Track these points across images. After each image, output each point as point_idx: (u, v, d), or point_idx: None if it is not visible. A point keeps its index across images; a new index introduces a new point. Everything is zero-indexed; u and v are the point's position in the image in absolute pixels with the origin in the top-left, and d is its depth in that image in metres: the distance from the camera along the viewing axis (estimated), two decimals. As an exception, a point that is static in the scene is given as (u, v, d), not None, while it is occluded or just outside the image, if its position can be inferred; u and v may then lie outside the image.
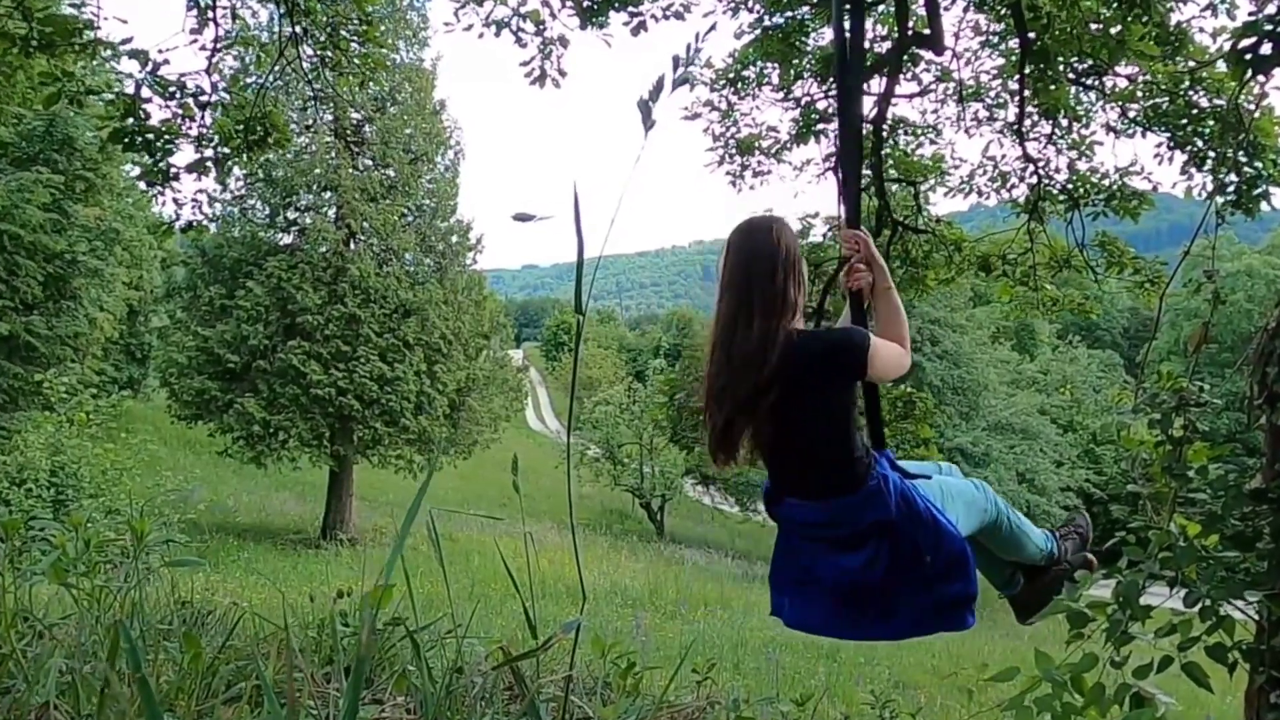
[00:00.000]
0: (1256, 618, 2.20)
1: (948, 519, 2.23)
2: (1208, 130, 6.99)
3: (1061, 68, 6.95)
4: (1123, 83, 7.25)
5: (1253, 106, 6.15)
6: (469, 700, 2.46)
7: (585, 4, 6.17)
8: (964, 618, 2.28)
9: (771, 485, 2.31)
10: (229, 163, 5.70)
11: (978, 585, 2.30)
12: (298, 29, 5.76)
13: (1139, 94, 7.24)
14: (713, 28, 1.95)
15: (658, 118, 1.72)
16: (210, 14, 5.33)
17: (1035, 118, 7.83)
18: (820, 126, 8.45)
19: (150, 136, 5.30)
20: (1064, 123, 7.82)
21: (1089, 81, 7.39)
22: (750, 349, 2.08)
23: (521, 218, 1.78)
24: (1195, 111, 6.97)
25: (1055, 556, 2.61)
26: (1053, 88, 7.09)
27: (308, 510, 21.35)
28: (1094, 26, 6.27)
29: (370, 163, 19.63)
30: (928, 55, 7.60)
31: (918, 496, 2.21)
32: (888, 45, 7.31)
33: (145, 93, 5.17)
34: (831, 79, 8.01)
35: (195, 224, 6.13)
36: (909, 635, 2.38)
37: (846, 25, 2.58)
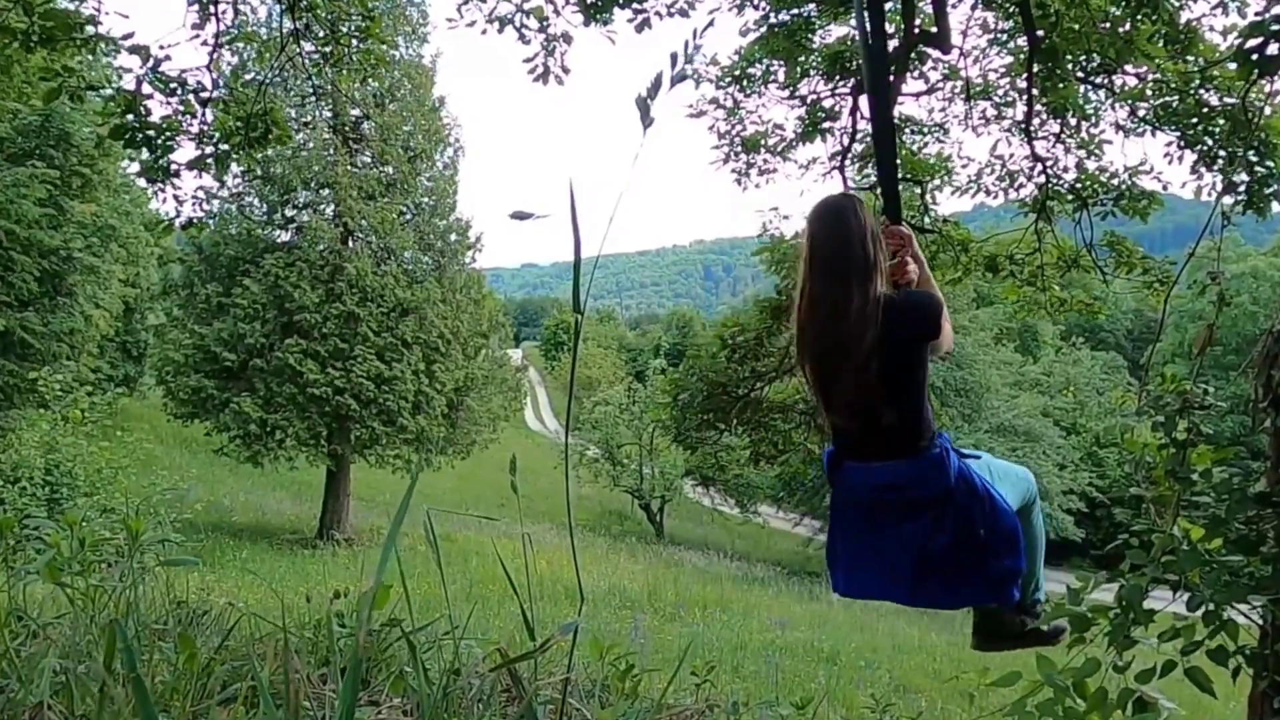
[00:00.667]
0: (1260, 622, 2.20)
1: (1001, 494, 2.32)
2: (1218, 129, 6.98)
3: (1070, 66, 6.95)
4: (1132, 81, 7.24)
5: (1264, 105, 6.14)
6: (466, 702, 2.47)
7: (589, 0, 6.17)
8: (1011, 592, 2.35)
9: (838, 448, 2.40)
10: (230, 159, 5.71)
11: (1026, 561, 2.37)
12: (299, 25, 5.77)
13: (1148, 92, 7.23)
14: (710, 23, 1.96)
15: (659, 116, 1.72)
16: (212, 9, 5.34)
17: (1043, 116, 7.83)
18: (826, 125, 8.45)
19: (151, 133, 5.30)
20: (1072, 121, 7.81)
21: (1098, 80, 7.39)
22: (858, 317, 2.22)
23: (519, 216, 1.78)
24: (1205, 110, 6.96)
25: (1037, 606, 2.67)
26: (1061, 86, 7.09)
27: (304, 510, 21.36)
28: (1103, 25, 6.27)
29: (369, 160, 19.64)
30: (935, 53, 7.59)
31: (974, 473, 2.31)
32: (894, 43, 7.31)
33: (146, 89, 5.17)
34: (837, 77, 8.03)
35: (195, 221, 6.14)
36: (959, 606, 2.50)
37: (868, 24, 2.61)
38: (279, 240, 19.28)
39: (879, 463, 2.30)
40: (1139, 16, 6.07)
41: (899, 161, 8.63)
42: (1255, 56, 2.37)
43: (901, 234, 2.49)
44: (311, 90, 15.60)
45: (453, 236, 20.53)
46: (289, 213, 19.37)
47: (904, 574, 2.33)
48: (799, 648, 11.50)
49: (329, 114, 19.20)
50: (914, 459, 2.27)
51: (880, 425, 2.27)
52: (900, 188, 8.64)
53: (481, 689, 2.53)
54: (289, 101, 17.61)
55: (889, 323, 2.22)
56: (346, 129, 19.46)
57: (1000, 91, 8.26)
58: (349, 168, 18.95)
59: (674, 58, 1.77)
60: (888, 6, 7.62)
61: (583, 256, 1.71)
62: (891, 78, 6.76)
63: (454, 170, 20.87)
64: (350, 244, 19.13)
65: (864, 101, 6.94)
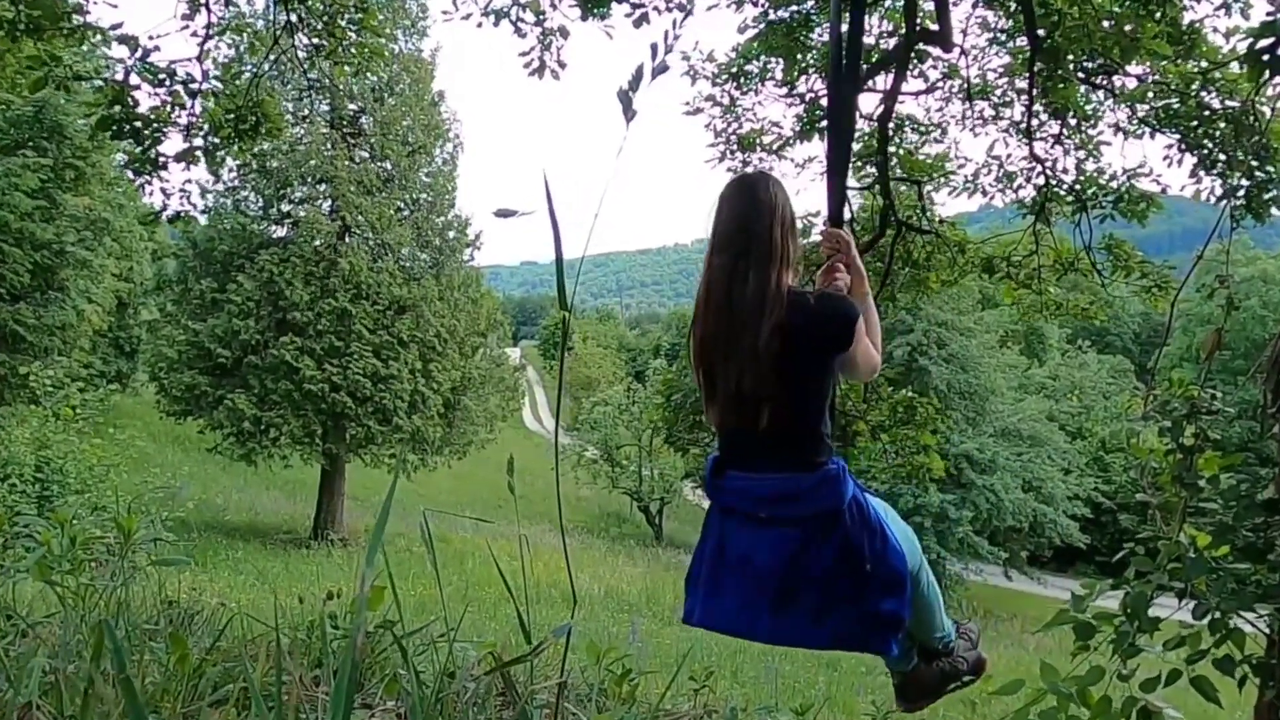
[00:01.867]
0: (1267, 631, 2.20)
1: (894, 534, 2.19)
2: (1219, 132, 6.99)
3: (1071, 66, 6.95)
4: (1132, 82, 7.25)
5: (1266, 109, 6.15)
6: (460, 706, 2.46)
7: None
8: (889, 642, 2.18)
9: (722, 455, 2.22)
10: (219, 153, 5.70)
11: (909, 614, 2.21)
12: (293, 17, 5.76)
13: (1149, 94, 7.24)
14: (689, 13, 1.96)
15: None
16: (202, 0, 5.34)
17: (1043, 117, 7.83)
18: (824, 124, 8.45)
19: (139, 124, 5.29)
20: (1072, 122, 7.82)
21: (1098, 81, 7.39)
22: (753, 301, 2.06)
23: (503, 213, 1.78)
24: (1206, 113, 6.97)
25: (950, 645, 2.57)
26: (1062, 86, 7.09)
27: (298, 509, 21.36)
28: (1105, 24, 6.27)
29: (367, 154, 19.64)
30: (935, 52, 7.60)
31: (869, 504, 2.18)
32: (894, 41, 7.31)
33: (134, 79, 5.17)
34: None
35: (183, 214, 6.12)
36: (827, 645, 2.29)
37: (844, 26, 2.59)
38: (274, 235, 19.28)
39: (770, 474, 2.13)
40: (1142, 15, 6.07)
41: (896, 160, 8.68)
42: (1266, 58, 2.37)
43: (840, 238, 2.36)
44: (307, 84, 15.61)
45: (451, 233, 20.52)
46: (285, 207, 19.37)
47: (767, 596, 2.14)
48: (799, 653, 11.46)
49: (326, 107, 19.21)
50: (807, 473, 2.11)
51: (770, 430, 2.10)
52: (902, 187, 8.68)
53: (476, 693, 2.53)
54: (286, 95, 17.62)
55: (795, 321, 2.05)
56: (345, 123, 19.46)
57: (1000, 91, 8.26)
58: (347, 162, 18.95)
59: (654, 49, 1.77)
60: (888, 4, 7.63)
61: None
62: (890, 76, 6.78)
63: (453, 166, 20.88)
64: (346, 240, 19.12)
65: (862, 100, 6.95)
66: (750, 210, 2.13)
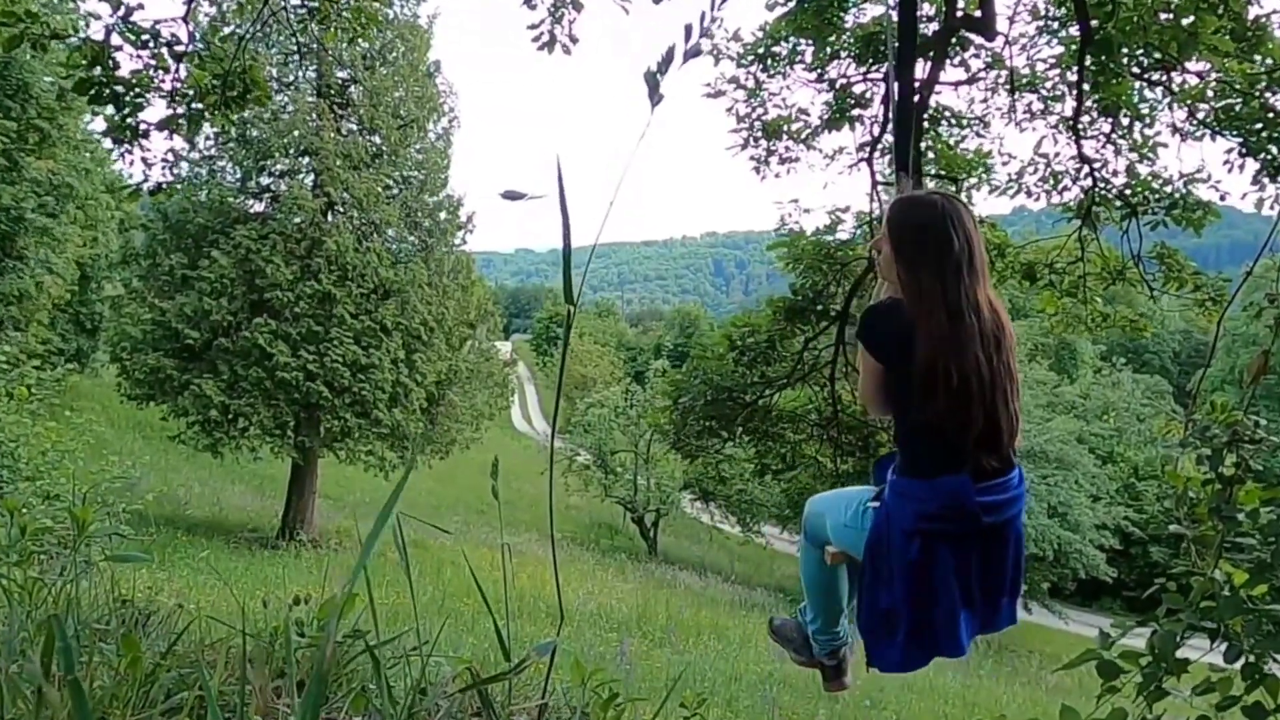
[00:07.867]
0: (1305, 679, 2.20)
1: None
2: (1285, 137, 6.98)
3: (1125, 61, 6.95)
4: (1192, 80, 7.24)
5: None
6: (433, 724, 2.47)
7: (601, -36, 6.17)
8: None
9: (975, 471, 2.27)
10: (203, 120, 5.69)
11: None
12: (283, -25, 5.77)
13: (1210, 93, 7.24)
14: None
15: (675, 94, 1.72)
16: (188, -45, 5.34)
17: (1093, 114, 7.83)
18: (855, 112, 8.46)
19: (119, 88, 5.29)
20: (1125, 121, 7.82)
21: (1155, 77, 7.39)
22: (1003, 324, 2.27)
23: (511, 196, 1.78)
24: (1271, 115, 6.96)
25: (809, 633, 2.96)
26: (1115, 82, 7.09)
27: (266, 506, 21.38)
28: (1164, 16, 6.27)
29: (355, 127, 19.62)
30: (977, 40, 7.60)
31: None
32: (934, 27, 7.32)
33: (115, 39, 5.16)
34: (870, 60, 8.04)
35: (165, 186, 6.13)
36: (997, 629, 2.47)
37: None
38: (252, 210, 19.26)
39: (1002, 477, 2.30)
40: (1203, 9, 6.07)
41: (933, 156, 8.69)
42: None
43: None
44: (295, 48, 15.62)
45: (442, 215, 20.51)
46: (264, 180, 19.36)
47: (999, 596, 2.32)
48: (799, 682, 11.48)
49: (313, 74, 19.20)
50: (1018, 466, 2.35)
51: (1011, 435, 2.33)
52: (933, 184, 8.69)
53: (450, 711, 2.53)
54: (270, 60, 17.62)
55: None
56: (332, 92, 19.45)
57: (1049, 84, 8.26)
58: (334, 134, 18.93)
59: (688, 30, 1.76)
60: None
61: (579, 244, 1.71)
62: (928, 65, 6.78)
63: (447, 142, 20.87)
64: (330, 217, 19.11)
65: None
66: (972, 232, 2.26)
